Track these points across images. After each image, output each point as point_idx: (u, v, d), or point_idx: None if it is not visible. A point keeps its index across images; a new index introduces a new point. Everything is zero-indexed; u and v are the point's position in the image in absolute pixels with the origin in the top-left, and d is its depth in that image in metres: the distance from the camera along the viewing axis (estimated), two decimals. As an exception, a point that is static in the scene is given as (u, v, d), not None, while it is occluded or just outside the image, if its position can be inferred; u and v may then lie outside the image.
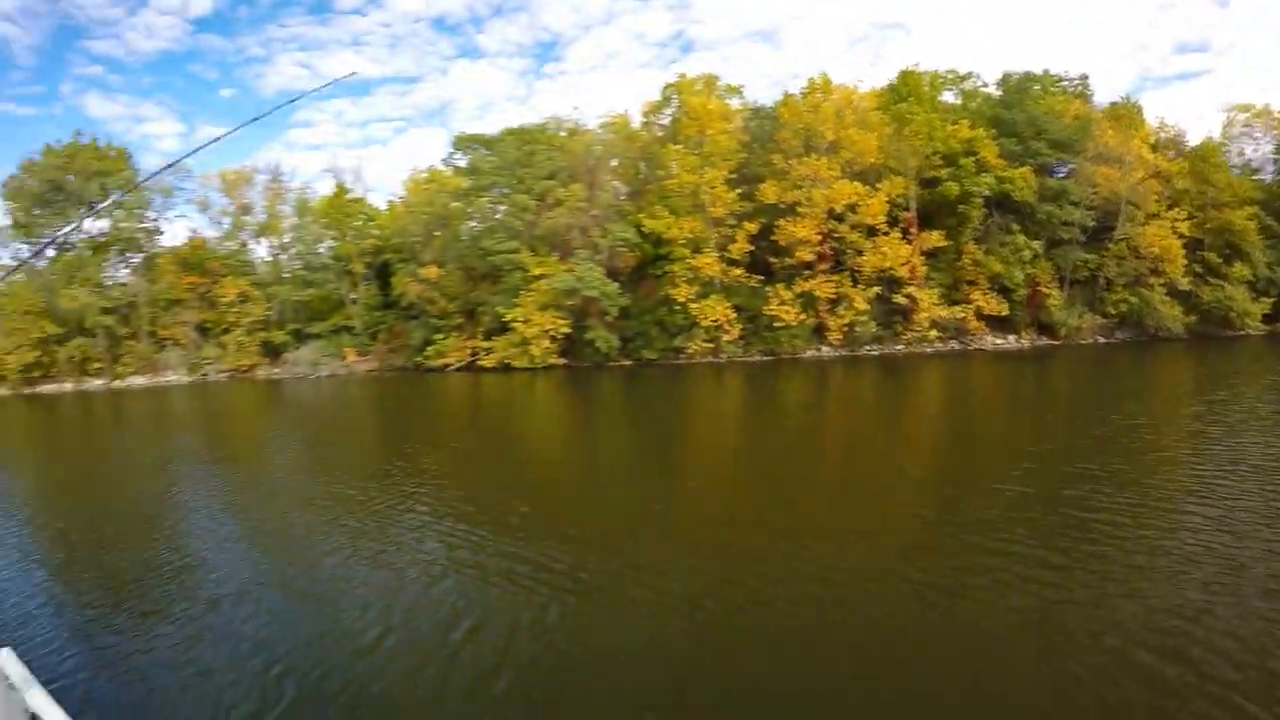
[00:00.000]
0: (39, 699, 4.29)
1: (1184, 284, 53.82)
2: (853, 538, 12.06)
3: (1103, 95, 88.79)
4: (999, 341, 52.81)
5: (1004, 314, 52.07)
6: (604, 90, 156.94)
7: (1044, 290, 52.65)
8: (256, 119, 6.76)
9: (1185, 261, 53.73)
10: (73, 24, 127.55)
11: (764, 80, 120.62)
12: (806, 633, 8.64)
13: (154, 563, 12.11)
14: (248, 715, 7.06)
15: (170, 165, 43.88)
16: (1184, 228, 54.00)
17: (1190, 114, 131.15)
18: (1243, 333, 54.60)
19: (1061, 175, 55.85)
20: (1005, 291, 52.22)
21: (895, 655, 8.02)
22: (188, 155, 31.28)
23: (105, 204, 62.71)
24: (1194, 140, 61.45)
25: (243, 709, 7.16)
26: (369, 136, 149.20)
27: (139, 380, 60.30)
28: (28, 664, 4.84)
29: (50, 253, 64.82)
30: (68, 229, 57.83)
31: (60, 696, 4.42)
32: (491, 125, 67.89)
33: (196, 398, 48.31)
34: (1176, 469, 15.67)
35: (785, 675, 7.60)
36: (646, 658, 8.24)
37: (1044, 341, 52.83)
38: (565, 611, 9.52)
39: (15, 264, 64.88)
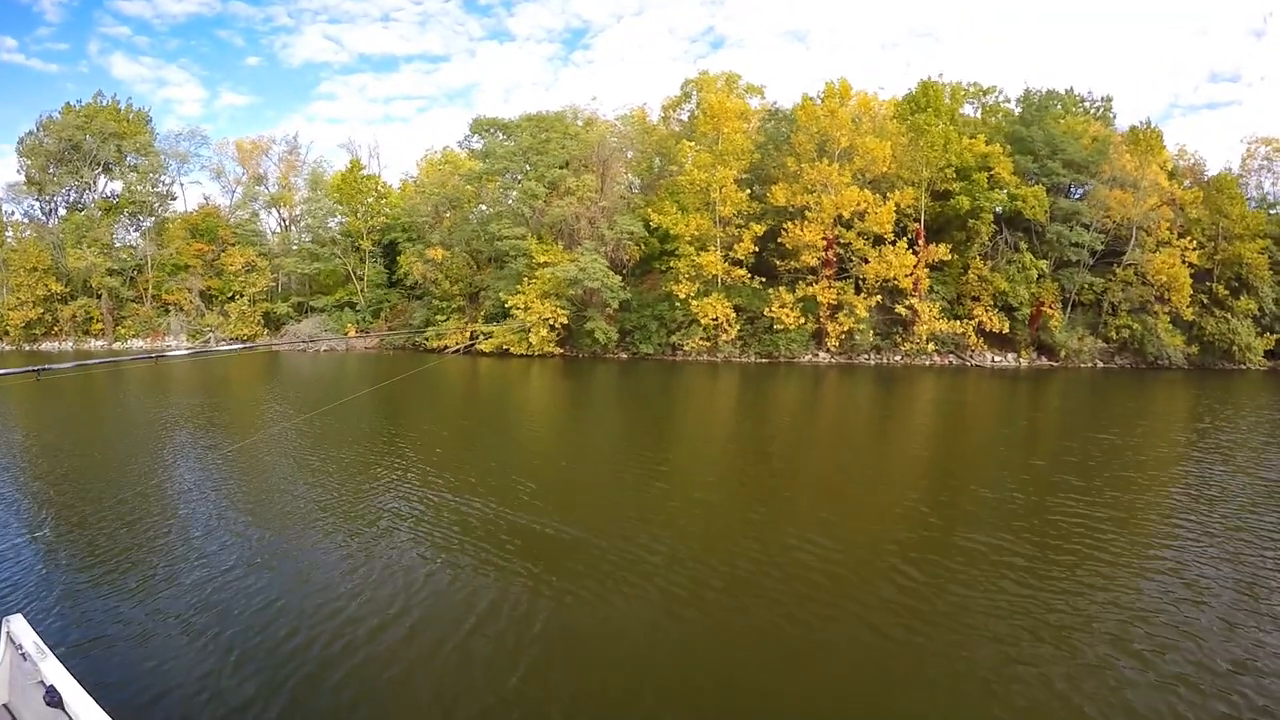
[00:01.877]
0: (54, 668, 4.35)
1: (1188, 314, 53.32)
2: (827, 530, 12.23)
3: (1132, 118, 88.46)
4: (997, 359, 52.63)
5: (1005, 332, 51.82)
6: (630, 82, 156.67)
7: (1047, 310, 52.35)
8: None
9: (1192, 291, 53.30)
10: None
11: (794, 81, 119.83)
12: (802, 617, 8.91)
13: (159, 529, 12.09)
14: (258, 686, 7.07)
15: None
16: (1194, 257, 53.54)
17: (1218, 144, 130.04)
18: (1243, 367, 54.11)
19: (1076, 196, 55.54)
20: (1008, 309, 51.92)
21: (886, 653, 8.10)
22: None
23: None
24: (1214, 170, 61.11)
25: (252, 681, 7.17)
26: (391, 113, 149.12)
27: (139, 343, 60.71)
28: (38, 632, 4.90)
29: (61, 211, 65.41)
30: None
31: (69, 665, 4.47)
32: (515, 109, 68.70)
33: (196, 364, 48.45)
34: (1154, 492, 15.64)
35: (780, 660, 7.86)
36: (654, 639, 8.44)
37: (1043, 362, 52.61)
38: (564, 590, 9.67)
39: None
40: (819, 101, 53.72)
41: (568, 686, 7.21)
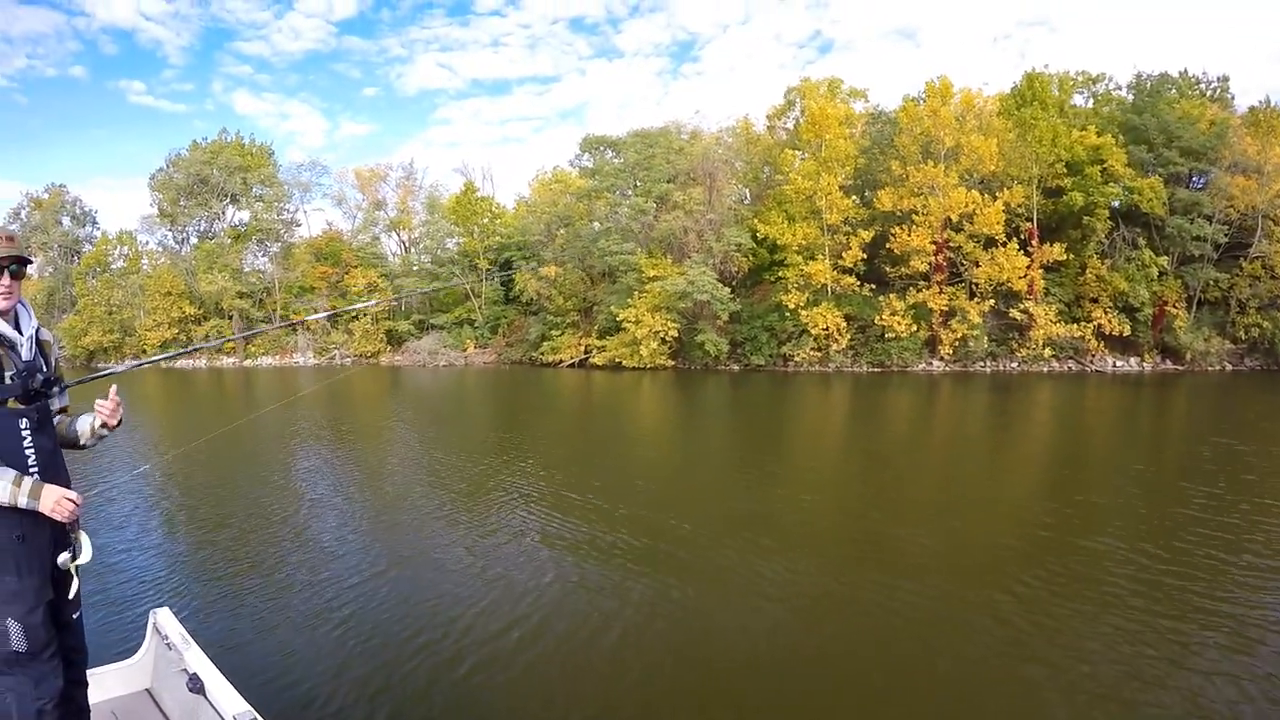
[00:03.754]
0: (196, 657, 4.50)
1: (1325, 308, 50.78)
2: (949, 551, 12.10)
3: (1252, 98, 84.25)
4: (1119, 364, 50.93)
5: (1126, 334, 49.91)
6: (740, 91, 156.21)
7: (1170, 310, 50.44)
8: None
9: (1328, 284, 50.71)
10: (221, 26, 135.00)
11: (904, 82, 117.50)
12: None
13: (292, 533, 12.94)
14: (384, 680, 7.46)
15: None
16: (1327, 246, 51.10)
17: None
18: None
19: (1196, 186, 53.47)
20: (1129, 310, 50.07)
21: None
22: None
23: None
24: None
25: (379, 675, 7.56)
26: (507, 135, 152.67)
27: (269, 360, 64.42)
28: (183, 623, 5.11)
29: (193, 239, 69.68)
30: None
31: (211, 655, 4.65)
32: (627, 125, 70.33)
33: (324, 378, 51.37)
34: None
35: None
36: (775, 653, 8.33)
37: (1167, 366, 50.66)
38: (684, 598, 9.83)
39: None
40: (921, 102, 53.39)
41: (685, 695, 7.32)
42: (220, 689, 4.14)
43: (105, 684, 4.80)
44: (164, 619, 5.00)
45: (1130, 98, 58.19)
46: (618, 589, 10.09)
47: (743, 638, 8.59)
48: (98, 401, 3.79)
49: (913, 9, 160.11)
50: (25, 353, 3.57)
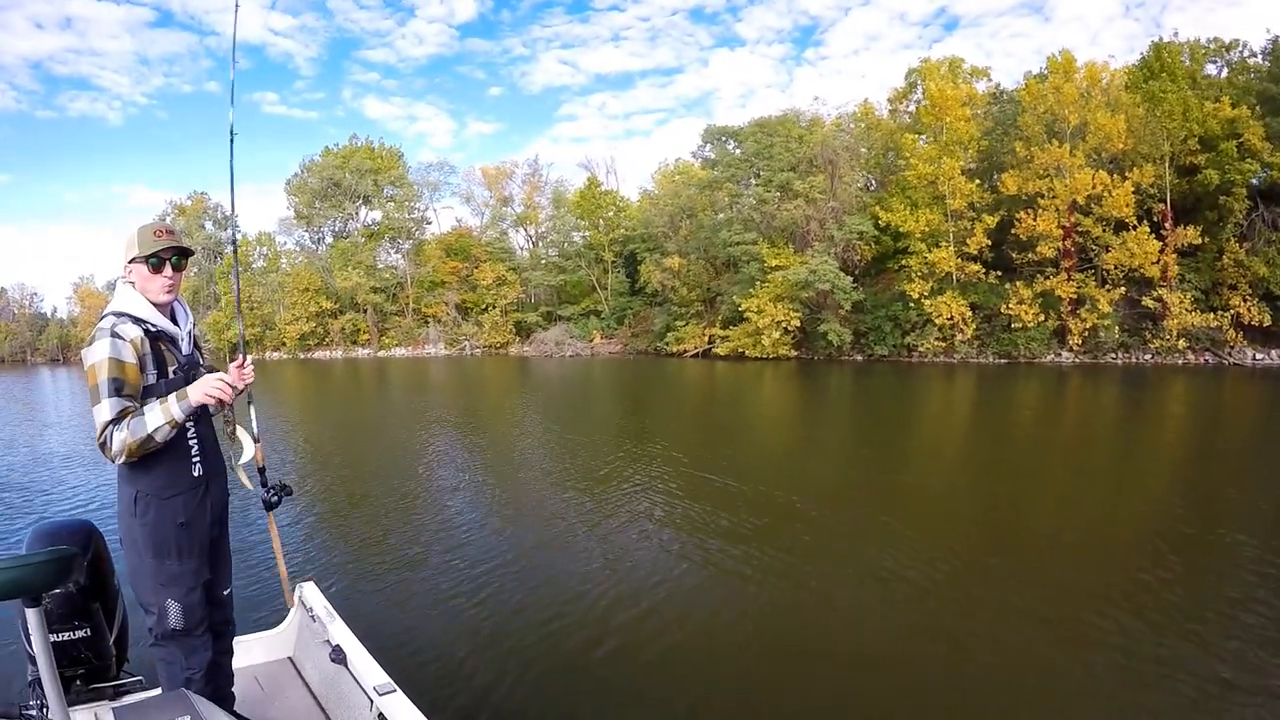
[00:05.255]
0: (340, 630, 4.60)
1: None
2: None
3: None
4: (1260, 356, 47.67)
5: (1266, 324, 46.93)
6: (866, 74, 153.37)
7: (1317, 295, 48.21)
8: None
9: None
10: (348, 36, 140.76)
11: (1034, 57, 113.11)
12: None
13: (428, 517, 13.38)
14: (516, 662, 7.69)
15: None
16: None
17: None
18: None
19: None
20: (1270, 298, 47.32)
21: None
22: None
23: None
24: None
25: (512, 657, 7.80)
26: (631, 129, 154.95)
27: (401, 351, 68.40)
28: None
29: (328, 239, 73.83)
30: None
31: (355, 631, 4.76)
32: (751, 114, 70.83)
33: (455, 368, 54.32)
34: None
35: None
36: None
37: (1314, 355, 48.20)
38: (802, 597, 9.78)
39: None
40: (1044, 79, 52.28)
41: (809, 689, 7.32)
42: (362, 660, 4.26)
43: (252, 651, 5.08)
44: (309, 592, 5.16)
45: (1267, 65, 55.73)
46: (748, 578, 10.19)
47: (870, 624, 8.74)
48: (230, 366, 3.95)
49: None
50: (185, 347, 3.79)
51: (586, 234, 66.78)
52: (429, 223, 77.37)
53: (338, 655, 4.36)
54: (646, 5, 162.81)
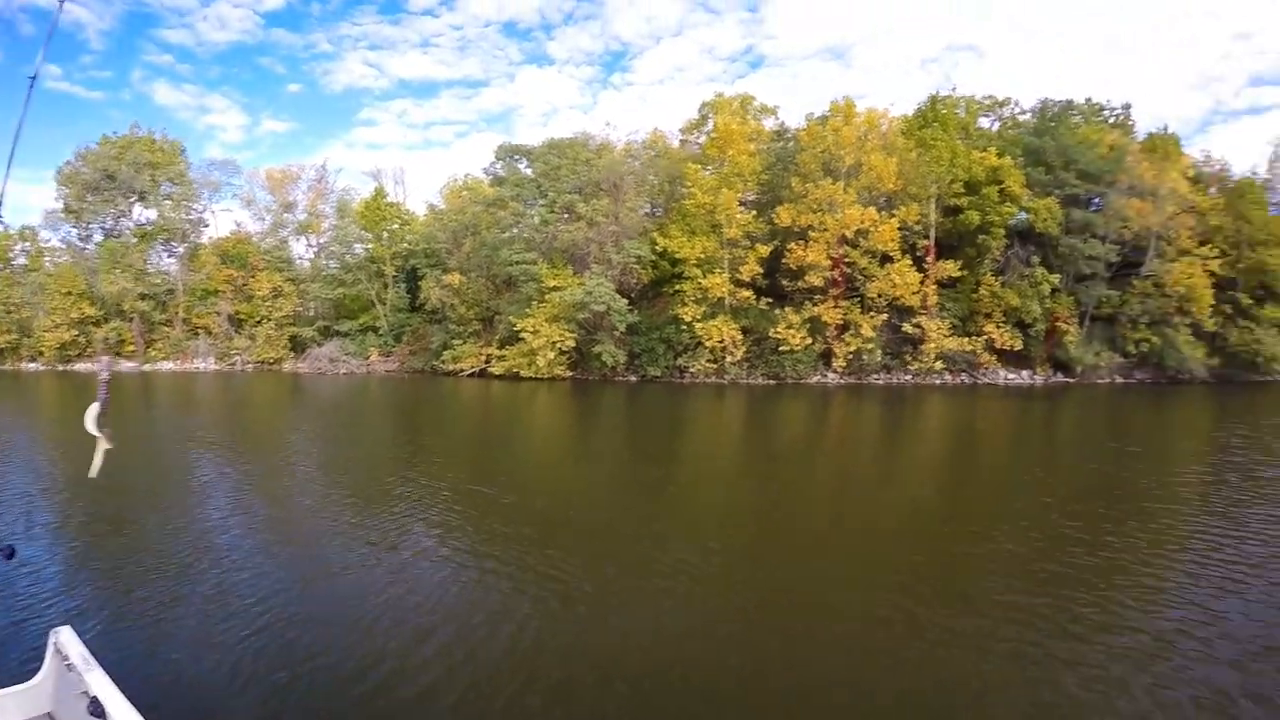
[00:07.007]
0: (98, 679, 4.35)
1: (1210, 325, 52.25)
2: (830, 557, 12.77)
3: (1175, 127, 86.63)
4: (1011, 376, 52.07)
5: (1018, 348, 51.23)
6: (669, 104, 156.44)
7: (1062, 326, 51.67)
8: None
9: (1214, 302, 52.13)
10: (146, 11, 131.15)
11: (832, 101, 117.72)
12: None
13: (196, 548, 12.42)
14: (292, 701, 7.45)
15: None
16: (1215, 265, 52.44)
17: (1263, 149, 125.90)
18: (1270, 378, 53.05)
19: (1094, 208, 54.44)
20: (1022, 325, 51.34)
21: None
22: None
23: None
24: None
25: (286, 696, 7.53)
26: (430, 139, 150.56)
27: (168, 365, 63.00)
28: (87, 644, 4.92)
29: (98, 237, 68.04)
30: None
31: (116, 677, 4.46)
32: (552, 133, 69.19)
33: (226, 384, 50.41)
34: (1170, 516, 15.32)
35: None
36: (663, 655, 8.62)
37: (1059, 379, 51.99)
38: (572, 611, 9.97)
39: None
40: (822, 121, 53.73)
41: (589, 699, 7.54)
42: (122, 713, 4.03)
43: (4, 709, 4.69)
44: (65, 639, 4.88)
45: (1034, 122, 59.19)
46: (524, 588, 10.45)
47: (642, 631, 9.16)
48: None
49: (845, 29, 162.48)
50: None
51: (369, 246, 63.53)
52: (206, 225, 71.82)
53: (96, 708, 4.11)
54: (461, 13, 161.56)
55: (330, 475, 19.22)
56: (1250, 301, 54.19)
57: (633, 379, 51.17)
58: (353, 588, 10.57)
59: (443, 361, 55.33)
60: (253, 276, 64.19)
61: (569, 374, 51.26)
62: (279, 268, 64.87)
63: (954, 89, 59.84)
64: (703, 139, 59.34)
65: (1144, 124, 64.01)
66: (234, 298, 64.69)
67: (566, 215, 53.23)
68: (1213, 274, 52.29)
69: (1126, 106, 61.64)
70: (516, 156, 58.92)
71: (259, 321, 63.19)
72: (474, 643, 8.71)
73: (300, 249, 69.62)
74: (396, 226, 64.68)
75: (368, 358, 59.96)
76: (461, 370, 54.15)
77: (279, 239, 68.05)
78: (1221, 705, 7.46)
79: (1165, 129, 59.81)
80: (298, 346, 63.51)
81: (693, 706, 7.42)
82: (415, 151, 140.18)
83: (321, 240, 67.41)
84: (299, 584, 10.72)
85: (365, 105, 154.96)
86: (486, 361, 53.72)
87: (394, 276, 62.57)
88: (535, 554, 12.05)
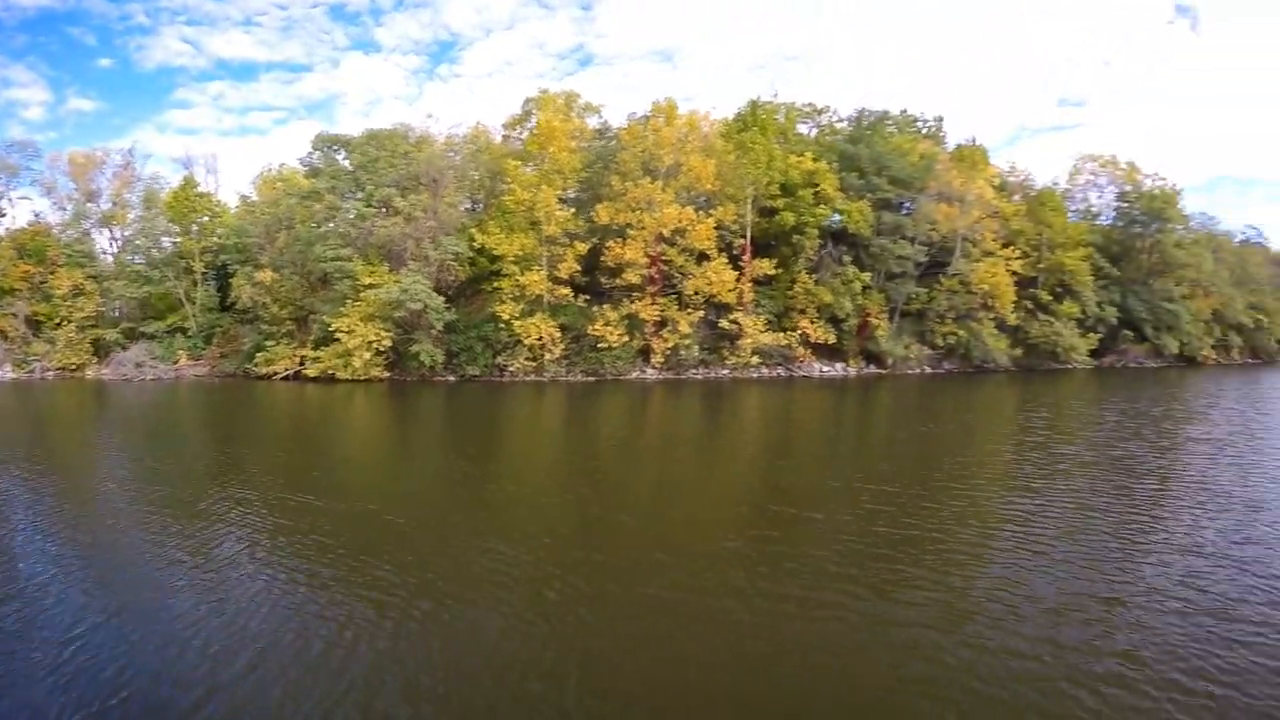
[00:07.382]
0: None
1: (1013, 319, 55.67)
2: (656, 550, 13.02)
3: (984, 140, 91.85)
4: (825, 369, 53.78)
5: (831, 343, 52.94)
6: (497, 98, 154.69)
7: (873, 321, 53.70)
8: None
9: (1016, 298, 55.52)
10: None
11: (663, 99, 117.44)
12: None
13: (6, 584, 11.54)
14: None
15: None
16: (1018, 265, 56.00)
17: (1064, 163, 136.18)
18: (1069, 366, 57.35)
19: (905, 211, 56.92)
20: (836, 321, 53.02)
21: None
22: None
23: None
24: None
25: None
26: (247, 125, 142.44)
27: (-43, 373, 57.71)
28: None
29: None
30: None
31: None
32: (376, 123, 65.91)
33: (25, 395, 46.44)
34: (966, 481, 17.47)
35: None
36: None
37: (871, 370, 54.13)
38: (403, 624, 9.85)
39: None
40: (642, 122, 54.22)
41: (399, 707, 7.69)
42: None
43: None
44: None
45: (850, 129, 61.67)
46: (359, 597, 10.47)
47: (459, 633, 9.44)
48: None
49: (676, 32, 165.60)
50: None
51: (178, 240, 59.64)
52: (2, 215, 64.19)
53: None
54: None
55: (137, 491, 18.16)
56: (1050, 298, 58.53)
57: (452, 378, 50.11)
58: (162, 610, 10.21)
59: (255, 364, 52.66)
60: (52, 273, 59.15)
61: (386, 375, 49.73)
62: (80, 263, 59.34)
63: (775, 95, 61.03)
64: (525, 135, 58.86)
65: (955, 135, 67.81)
66: (31, 297, 59.50)
67: (384, 210, 51.63)
68: (1015, 273, 56.07)
69: (939, 119, 65.28)
70: (334, 147, 56.83)
71: (59, 323, 58.54)
72: (285, 659, 8.59)
73: (104, 242, 64.40)
74: (207, 219, 60.91)
75: (176, 362, 56.48)
76: (275, 373, 51.69)
77: (81, 231, 62.43)
78: (1033, 655, 8.74)
79: (974, 141, 63.74)
80: (101, 351, 58.89)
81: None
82: (231, 138, 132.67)
83: (127, 233, 62.47)
84: (107, 611, 10.20)
85: (180, 85, 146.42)
86: (301, 363, 51.50)
87: (203, 273, 59.19)
88: (350, 561, 11.99)
